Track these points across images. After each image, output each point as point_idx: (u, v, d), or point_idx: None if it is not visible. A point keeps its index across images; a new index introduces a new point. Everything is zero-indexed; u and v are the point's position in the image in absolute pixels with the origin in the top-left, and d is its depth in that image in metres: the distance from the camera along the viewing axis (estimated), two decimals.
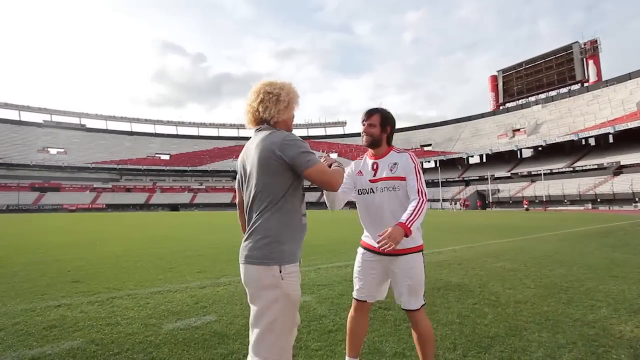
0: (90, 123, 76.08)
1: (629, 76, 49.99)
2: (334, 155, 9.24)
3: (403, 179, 1.78)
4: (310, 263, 5.34)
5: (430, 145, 68.35)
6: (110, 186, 63.35)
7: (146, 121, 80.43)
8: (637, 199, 32.58)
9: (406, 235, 1.55)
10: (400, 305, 1.80)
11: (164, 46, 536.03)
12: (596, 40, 55.86)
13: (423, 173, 1.78)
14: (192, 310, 3.11)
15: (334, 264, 5.36)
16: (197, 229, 14.03)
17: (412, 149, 66.76)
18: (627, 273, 4.44)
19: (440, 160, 58.97)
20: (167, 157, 73.77)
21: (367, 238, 1.90)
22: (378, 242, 1.53)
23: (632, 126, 38.86)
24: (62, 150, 65.92)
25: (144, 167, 67.39)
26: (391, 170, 1.80)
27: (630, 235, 9.25)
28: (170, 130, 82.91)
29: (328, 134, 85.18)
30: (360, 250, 1.93)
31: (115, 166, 65.75)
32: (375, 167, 1.87)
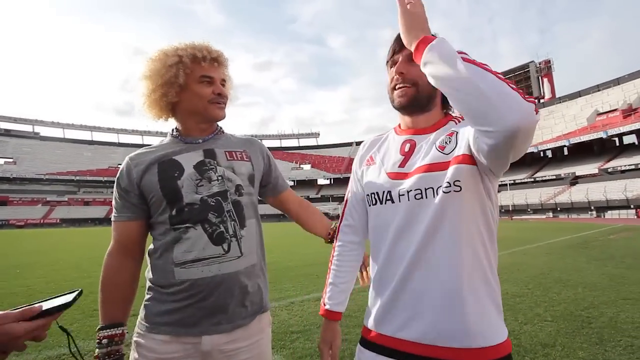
0: (44, 131, 70.49)
1: (578, 94, 54.20)
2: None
3: (470, 159, 0.78)
4: (280, 295, 4.39)
5: None
6: (66, 199, 58.44)
7: (109, 130, 75.85)
8: (592, 208, 34.65)
9: (424, 42, 0.72)
10: None
11: (136, 53, 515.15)
12: (549, 60, 60.33)
13: None
14: None
15: (310, 294, 4.50)
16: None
17: None
18: (636, 294, 4.09)
19: None
20: None
21: (375, 321, 0.87)
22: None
23: (584, 139, 41.79)
24: (11, 160, 60.06)
25: (105, 178, 62.92)
26: (442, 149, 0.82)
27: (608, 245, 9.28)
28: (136, 139, 78.56)
29: (301, 145, 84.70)
30: (359, 349, 0.90)
31: (73, 177, 60.95)
32: (408, 148, 0.89)
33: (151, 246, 1.01)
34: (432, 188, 0.80)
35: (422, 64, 0.73)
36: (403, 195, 0.83)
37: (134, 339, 0.96)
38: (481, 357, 0.74)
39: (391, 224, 0.85)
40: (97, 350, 0.88)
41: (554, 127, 50.78)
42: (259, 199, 1.17)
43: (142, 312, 0.97)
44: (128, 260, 0.98)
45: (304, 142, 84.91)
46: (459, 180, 0.77)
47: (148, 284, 0.99)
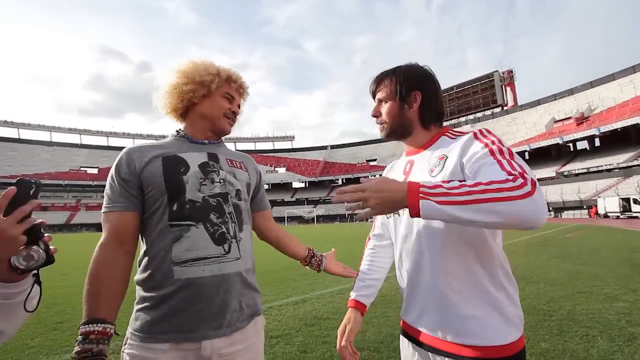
0: None
1: (538, 102, 58.09)
2: None
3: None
4: None
5: (375, 160, 71.15)
6: None
7: (70, 130, 71.33)
8: (550, 208, 37.09)
9: (413, 210, 0.71)
10: None
11: (104, 51, 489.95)
12: (512, 70, 64.23)
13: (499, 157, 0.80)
14: None
15: (289, 298, 4.49)
16: None
17: (358, 164, 68.70)
18: (590, 287, 4.44)
19: None
20: (95, 171, 65.71)
21: (403, 311, 1.03)
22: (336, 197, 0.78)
23: (543, 145, 44.81)
24: None
25: (66, 182, 59.04)
26: (432, 172, 0.91)
27: (565, 244, 9.98)
28: (101, 141, 74.66)
29: (276, 148, 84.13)
30: (401, 338, 1.07)
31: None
32: (409, 167, 1.03)
33: (143, 247, 0.98)
34: None
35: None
36: (404, 213, 0.97)
37: (126, 351, 0.91)
38: (479, 354, 0.82)
39: (399, 233, 1.00)
40: (75, 347, 0.83)
41: (516, 133, 53.98)
42: None
43: (134, 323, 0.93)
44: (121, 252, 0.93)
45: (279, 145, 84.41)
46: None
47: (140, 292, 0.95)
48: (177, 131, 1.11)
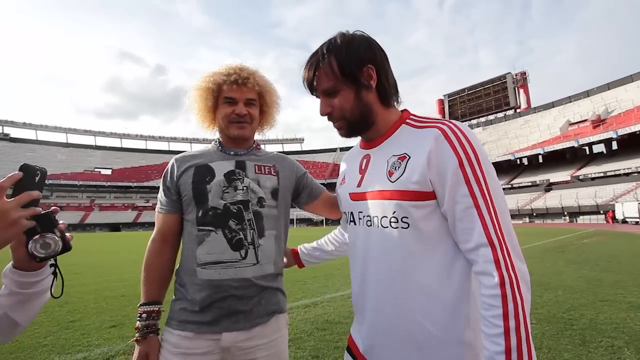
0: (15, 132, 67.21)
1: (552, 104, 56.89)
2: None
3: (424, 195, 0.72)
4: None
5: None
6: None
7: (85, 132, 73.12)
8: (565, 213, 36.18)
9: None
10: None
11: (121, 55, 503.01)
12: (525, 72, 63.18)
13: (484, 174, 0.70)
14: None
15: (299, 301, 4.44)
16: (131, 253, 11.97)
17: None
18: (612, 295, 4.26)
19: None
20: (108, 172, 67.19)
21: (355, 330, 0.92)
22: None
23: (557, 148, 43.80)
24: None
25: (80, 182, 60.47)
26: (390, 175, 0.77)
27: (583, 249, 9.68)
28: (114, 142, 76.27)
29: (285, 150, 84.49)
30: (346, 357, 0.95)
31: (45, 181, 58.00)
32: (364, 164, 0.88)
33: (184, 243, 1.10)
34: (377, 217, 0.79)
35: None
36: (361, 219, 0.85)
37: (163, 334, 1.05)
38: None
39: (357, 244, 0.87)
40: (138, 322, 1.00)
41: (529, 135, 52.94)
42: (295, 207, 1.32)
43: (170, 312, 1.06)
44: (166, 247, 1.09)
45: (288, 147, 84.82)
46: (406, 217, 0.73)
47: (175, 284, 1.09)
48: (217, 139, 1.19)
